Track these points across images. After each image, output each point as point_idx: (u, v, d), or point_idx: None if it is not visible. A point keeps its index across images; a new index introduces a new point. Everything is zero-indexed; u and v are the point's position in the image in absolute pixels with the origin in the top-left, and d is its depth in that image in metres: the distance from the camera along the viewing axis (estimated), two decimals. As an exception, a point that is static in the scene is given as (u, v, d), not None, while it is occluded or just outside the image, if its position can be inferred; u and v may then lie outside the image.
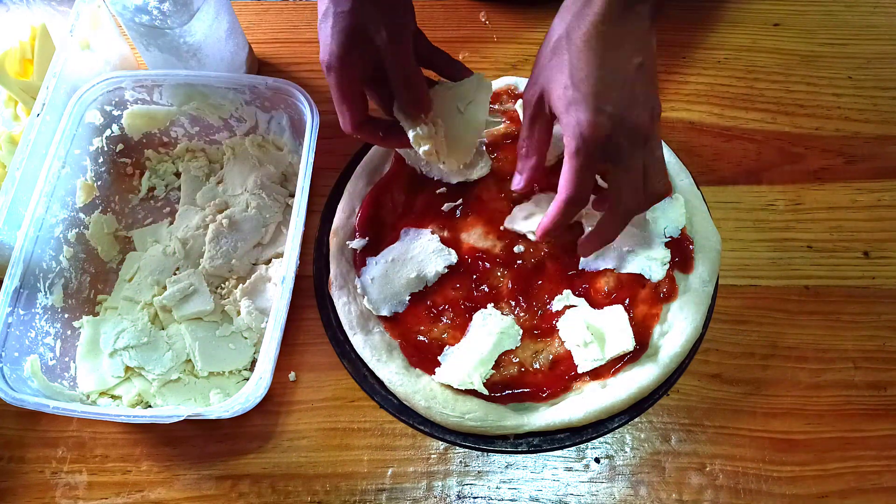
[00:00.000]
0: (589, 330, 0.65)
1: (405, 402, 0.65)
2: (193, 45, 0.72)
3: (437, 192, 0.74)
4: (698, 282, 0.68)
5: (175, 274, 0.72)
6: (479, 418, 0.63)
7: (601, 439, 0.65)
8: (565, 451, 0.65)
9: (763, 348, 0.69)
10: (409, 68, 0.61)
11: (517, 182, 0.66)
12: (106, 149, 0.75)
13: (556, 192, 0.72)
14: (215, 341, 0.69)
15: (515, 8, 0.88)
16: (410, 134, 0.63)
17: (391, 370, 0.66)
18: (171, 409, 0.65)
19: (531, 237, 0.71)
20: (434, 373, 0.65)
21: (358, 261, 0.71)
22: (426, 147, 0.63)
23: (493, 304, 0.69)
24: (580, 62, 0.55)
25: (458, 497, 0.64)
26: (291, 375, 0.69)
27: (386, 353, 0.67)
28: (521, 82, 0.78)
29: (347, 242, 0.71)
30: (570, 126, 0.55)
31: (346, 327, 0.68)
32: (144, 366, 0.67)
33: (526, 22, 0.88)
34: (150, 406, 0.67)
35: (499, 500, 0.64)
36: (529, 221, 0.71)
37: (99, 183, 0.74)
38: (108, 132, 0.75)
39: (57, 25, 0.78)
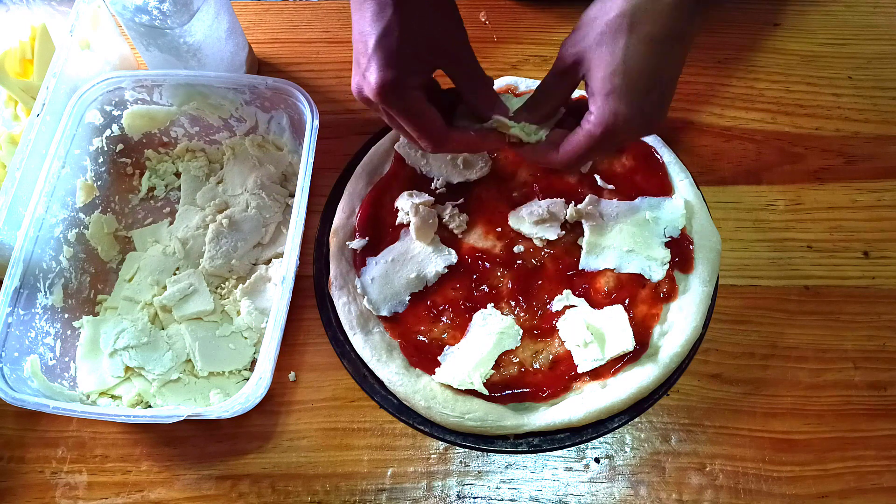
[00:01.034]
0: (589, 330, 0.65)
1: (405, 402, 0.65)
2: (193, 45, 0.72)
3: (437, 192, 0.74)
4: (698, 282, 0.67)
5: (175, 274, 0.72)
6: (479, 418, 0.63)
7: (601, 439, 0.65)
8: (565, 451, 0.65)
9: (763, 348, 0.69)
10: (478, 66, 0.59)
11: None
12: (106, 149, 0.75)
13: (558, 195, 0.72)
14: (215, 341, 0.69)
15: (515, 8, 0.88)
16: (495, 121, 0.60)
17: (391, 370, 0.66)
18: (171, 409, 0.65)
19: (538, 243, 0.71)
20: (434, 373, 0.65)
21: (358, 261, 0.71)
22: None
23: (493, 304, 0.69)
24: (638, 54, 0.52)
25: (458, 497, 0.64)
26: (291, 375, 0.69)
27: (386, 353, 0.67)
28: (521, 82, 0.77)
29: (347, 242, 0.71)
30: (603, 113, 0.54)
31: (346, 327, 0.68)
32: (144, 366, 0.67)
33: (526, 22, 0.88)
34: (150, 406, 0.66)
35: (499, 500, 0.64)
36: (536, 227, 0.71)
37: (99, 183, 0.74)
38: (108, 132, 0.75)
39: (57, 25, 0.78)
